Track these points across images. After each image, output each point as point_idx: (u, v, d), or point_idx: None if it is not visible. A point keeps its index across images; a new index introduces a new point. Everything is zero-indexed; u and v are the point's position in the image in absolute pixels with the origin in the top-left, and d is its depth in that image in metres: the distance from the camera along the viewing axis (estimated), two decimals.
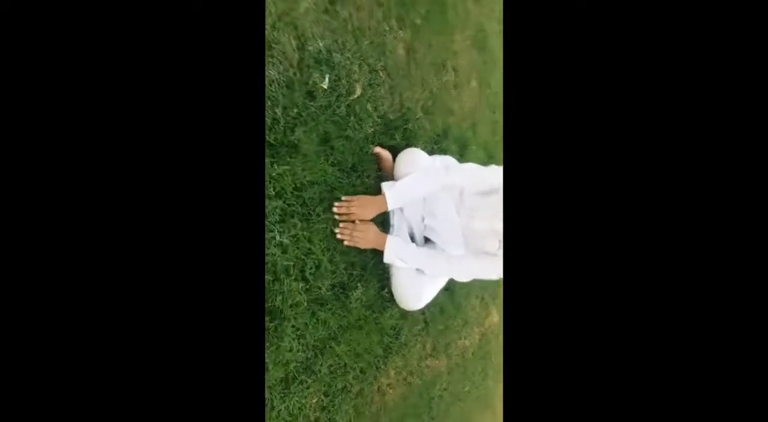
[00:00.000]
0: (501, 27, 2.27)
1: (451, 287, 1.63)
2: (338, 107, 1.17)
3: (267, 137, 0.99)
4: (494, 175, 1.28)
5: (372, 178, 1.30)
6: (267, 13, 0.98)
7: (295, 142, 1.05)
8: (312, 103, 1.10)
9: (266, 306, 1.00)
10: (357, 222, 1.21)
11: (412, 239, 1.39)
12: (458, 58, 1.85)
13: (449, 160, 1.44)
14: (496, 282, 2.02)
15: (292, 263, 1.05)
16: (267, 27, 0.98)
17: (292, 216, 1.05)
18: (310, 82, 1.09)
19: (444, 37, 1.76)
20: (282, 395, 1.04)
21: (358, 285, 1.25)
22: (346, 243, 1.20)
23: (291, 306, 1.05)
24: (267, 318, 1.00)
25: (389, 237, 1.27)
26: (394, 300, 1.34)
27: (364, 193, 1.24)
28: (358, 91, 1.25)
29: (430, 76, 1.62)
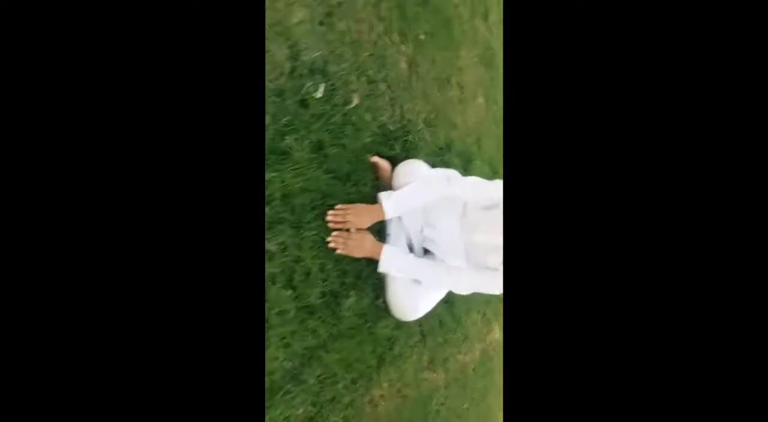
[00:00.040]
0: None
1: (450, 300, 1.57)
2: (333, 116, 1.15)
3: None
4: (497, 189, 1.24)
5: (369, 186, 1.27)
6: None
7: (286, 149, 1.03)
8: (305, 112, 1.08)
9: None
10: (353, 230, 1.18)
11: (411, 249, 1.35)
12: (464, 74, 1.82)
13: (451, 172, 1.41)
14: (498, 297, 1.95)
15: (278, 270, 1.02)
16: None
17: (280, 223, 1.02)
18: (303, 91, 1.07)
19: (449, 53, 1.73)
20: (266, 405, 1.00)
21: (351, 293, 1.21)
22: (339, 251, 1.16)
23: (277, 314, 1.02)
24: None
25: (385, 247, 1.22)
26: (388, 310, 1.29)
27: (360, 202, 1.21)
28: (356, 101, 1.23)
29: (433, 91, 1.59)
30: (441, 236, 1.30)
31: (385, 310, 1.30)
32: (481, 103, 1.95)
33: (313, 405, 1.11)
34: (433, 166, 1.38)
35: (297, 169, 1.05)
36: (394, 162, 1.32)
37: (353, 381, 1.21)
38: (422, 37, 1.54)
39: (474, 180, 1.27)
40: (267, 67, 0.99)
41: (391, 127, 1.37)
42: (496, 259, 1.23)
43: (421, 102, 1.52)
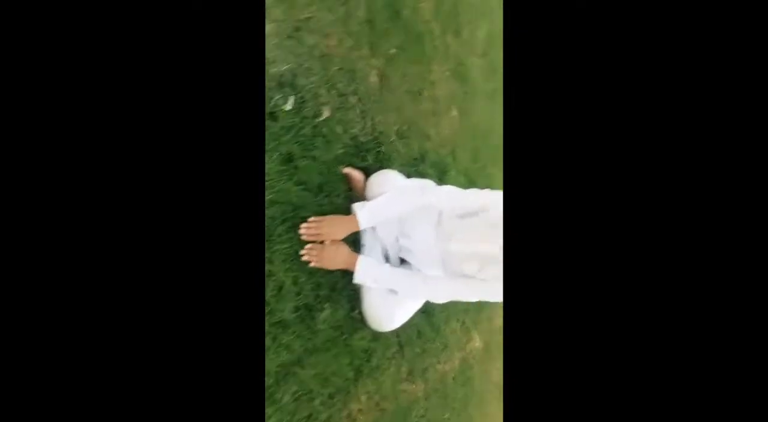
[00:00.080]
0: (482, 61, 2.26)
1: (429, 310, 1.54)
2: (303, 128, 1.13)
3: None
4: (472, 197, 1.23)
5: (342, 197, 1.24)
6: None
7: None
8: (274, 124, 1.05)
9: None
10: (327, 242, 1.14)
11: (386, 259, 1.32)
12: (436, 87, 1.82)
13: (426, 182, 1.39)
14: (478, 307, 1.92)
15: None
16: None
17: None
18: (272, 104, 1.05)
19: (421, 67, 1.73)
20: None
21: (326, 306, 1.17)
22: (312, 264, 1.12)
23: None
24: None
25: (360, 257, 1.19)
26: (365, 322, 1.25)
27: (333, 213, 1.18)
28: (326, 114, 1.21)
29: (405, 103, 1.58)
30: (417, 245, 1.28)
31: (361, 322, 1.26)
32: (454, 116, 1.95)
33: None
34: (408, 176, 1.36)
35: (267, 181, 1.02)
36: (368, 173, 1.30)
37: (330, 397, 1.17)
38: (393, 51, 1.54)
39: (449, 189, 1.25)
40: None
41: (363, 139, 1.35)
42: (473, 267, 1.21)
43: (394, 114, 1.51)
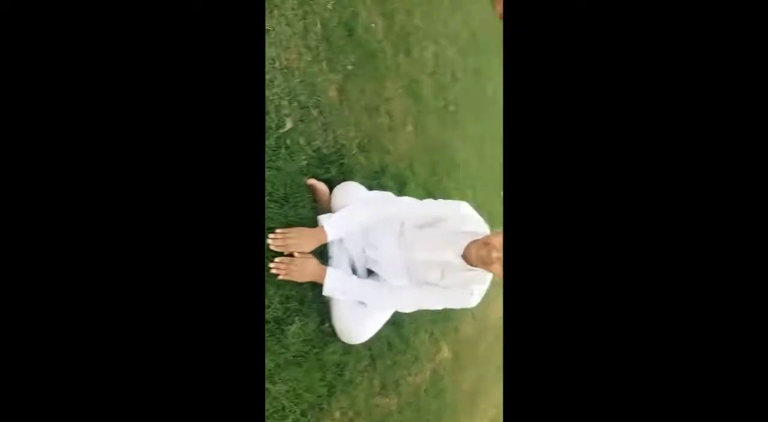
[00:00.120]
0: (432, 80, 2.32)
1: (398, 321, 1.52)
2: (267, 139, 1.10)
3: None
4: (431, 208, 1.26)
5: (307, 208, 1.21)
6: None
7: None
8: None
9: None
10: (296, 254, 1.10)
11: (354, 271, 1.30)
12: (391, 103, 1.85)
13: (387, 194, 1.39)
14: (445, 317, 1.92)
15: None
16: None
17: None
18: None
19: (376, 84, 1.76)
20: None
21: (296, 319, 1.12)
22: (281, 277, 1.08)
23: None
24: None
25: (329, 270, 1.16)
26: (335, 335, 1.21)
27: (299, 224, 1.14)
28: (289, 125, 1.19)
29: (363, 118, 1.59)
30: (382, 256, 1.27)
31: (332, 335, 1.22)
32: (410, 131, 1.98)
33: None
34: (370, 188, 1.36)
35: None
36: (331, 185, 1.29)
37: (303, 414, 1.11)
38: (350, 67, 1.55)
39: (408, 200, 1.27)
40: None
41: (326, 151, 1.34)
42: (436, 274, 1.22)
43: (353, 128, 1.51)
